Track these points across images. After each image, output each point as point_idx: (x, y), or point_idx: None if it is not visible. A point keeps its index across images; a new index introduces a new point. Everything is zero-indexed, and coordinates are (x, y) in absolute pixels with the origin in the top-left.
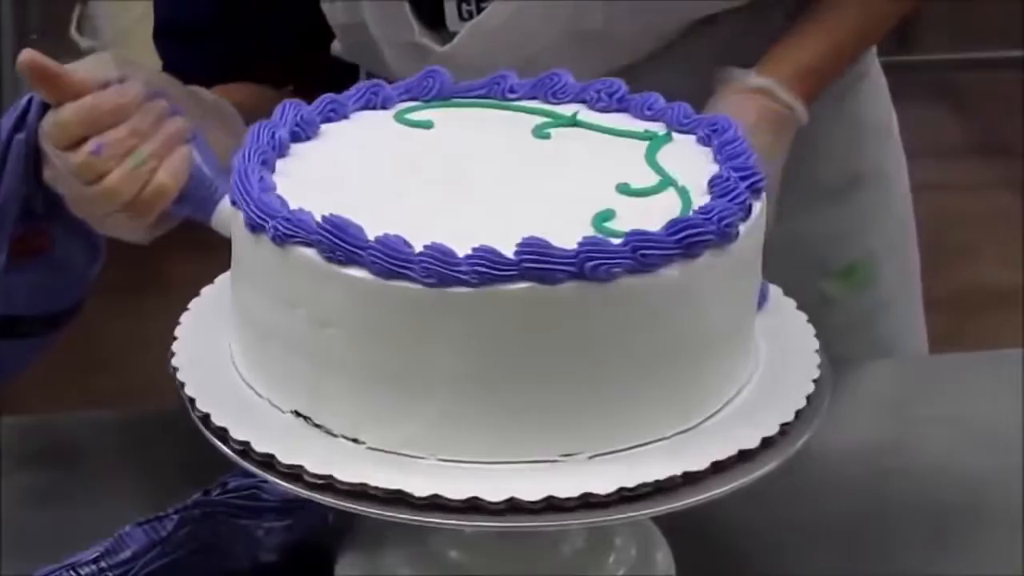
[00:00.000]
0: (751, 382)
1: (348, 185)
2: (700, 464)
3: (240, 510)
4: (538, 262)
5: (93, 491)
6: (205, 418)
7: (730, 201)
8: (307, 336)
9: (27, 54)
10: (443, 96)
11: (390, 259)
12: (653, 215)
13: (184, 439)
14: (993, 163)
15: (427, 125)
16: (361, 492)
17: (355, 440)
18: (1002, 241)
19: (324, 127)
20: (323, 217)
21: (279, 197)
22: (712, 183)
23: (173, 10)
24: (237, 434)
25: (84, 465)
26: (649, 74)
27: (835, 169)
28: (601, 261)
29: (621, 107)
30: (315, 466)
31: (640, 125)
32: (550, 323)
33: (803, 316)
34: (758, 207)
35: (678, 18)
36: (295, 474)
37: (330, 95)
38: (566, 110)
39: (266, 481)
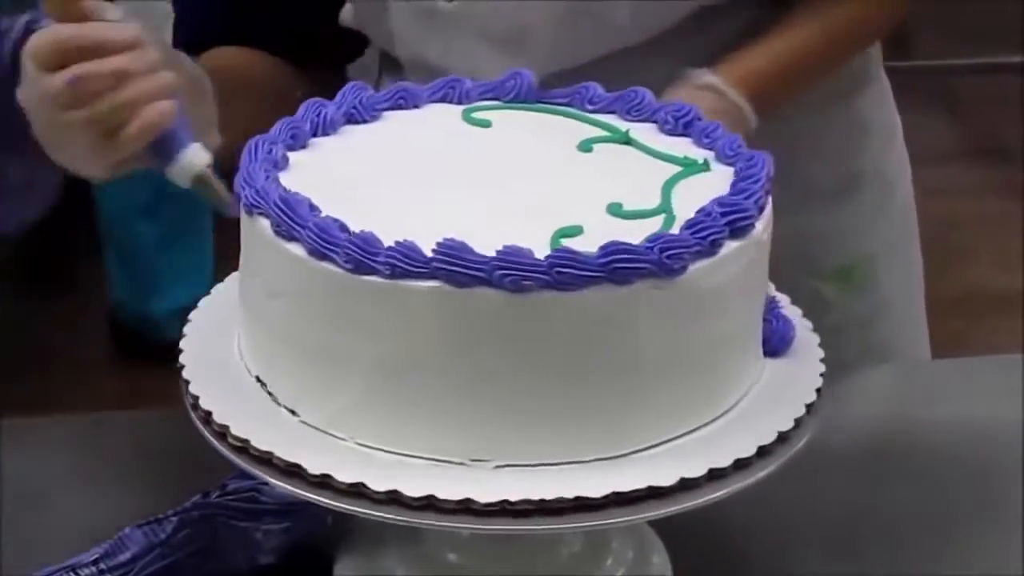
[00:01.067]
0: (752, 391)
1: (354, 174)
2: (696, 471)
3: (239, 512)
4: (451, 263)
5: (92, 493)
6: (206, 417)
7: (693, 234)
8: (261, 305)
9: None
10: (524, 99)
11: (322, 241)
12: (624, 238)
13: (184, 441)
14: (991, 168)
15: (485, 124)
16: (357, 492)
17: (293, 412)
18: (1000, 245)
19: (387, 115)
20: (280, 194)
21: (276, 180)
22: (692, 219)
23: None
24: (237, 431)
25: (84, 467)
26: (641, 62)
27: (834, 170)
28: (513, 273)
29: (685, 132)
30: (313, 465)
31: (695, 152)
32: (518, 328)
33: (808, 324)
34: (733, 245)
35: (674, 6)
36: (293, 472)
37: (403, 84)
38: (635, 128)
39: (265, 483)
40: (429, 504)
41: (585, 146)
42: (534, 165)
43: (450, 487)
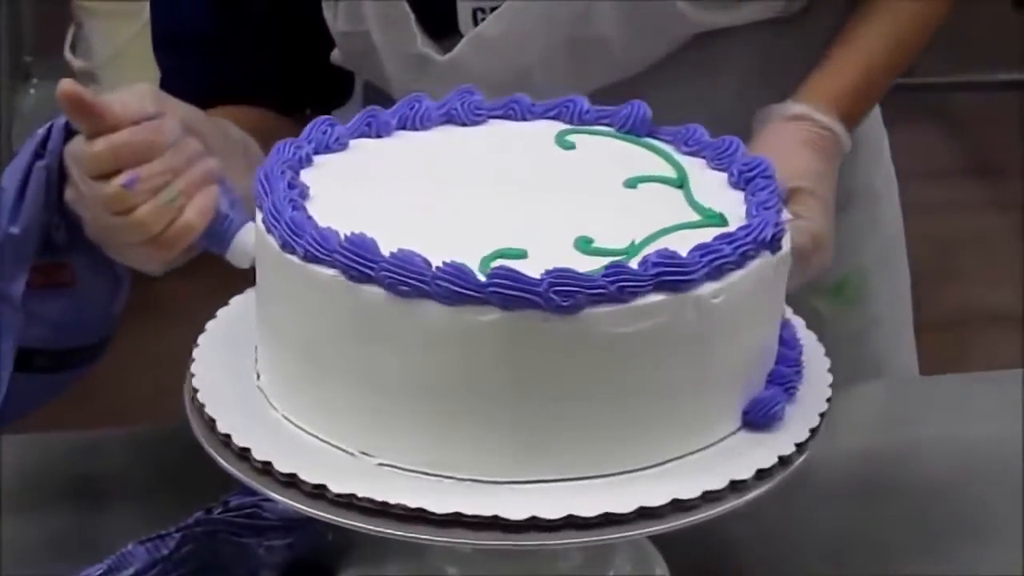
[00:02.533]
0: None
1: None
2: (691, 492)
3: (241, 528)
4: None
5: (95, 509)
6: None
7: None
8: (288, 331)
9: (67, 84)
10: (636, 130)
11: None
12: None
13: (186, 458)
14: (986, 184)
15: (570, 147)
16: (349, 504)
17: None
18: (996, 262)
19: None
20: (289, 216)
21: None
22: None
23: (170, 22)
24: (239, 440)
25: (86, 484)
26: (643, 90)
27: None
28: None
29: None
30: (309, 475)
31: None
32: (529, 349)
33: (821, 350)
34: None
35: (666, 37)
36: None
37: (417, 94)
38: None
39: (267, 500)
40: (421, 517)
41: (631, 183)
42: (569, 197)
43: (443, 501)
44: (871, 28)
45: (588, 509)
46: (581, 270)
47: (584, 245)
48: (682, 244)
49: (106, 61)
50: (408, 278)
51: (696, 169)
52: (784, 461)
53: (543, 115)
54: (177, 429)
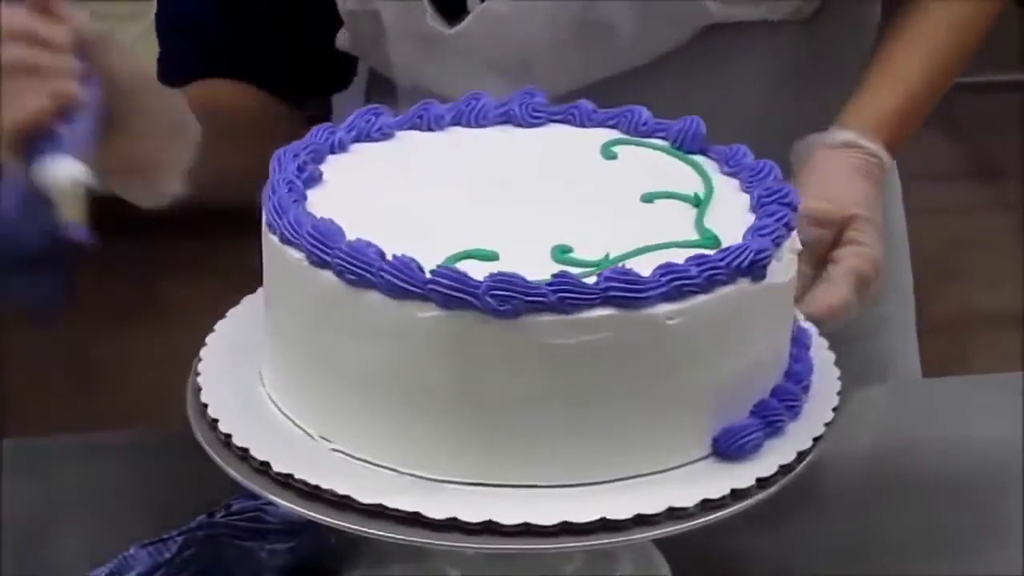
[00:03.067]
0: None
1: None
2: (688, 500)
3: (244, 532)
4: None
5: (97, 513)
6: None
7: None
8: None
9: None
10: (689, 148)
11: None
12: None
13: (189, 461)
14: (987, 186)
15: (613, 157)
16: (345, 506)
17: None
18: (997, 264)
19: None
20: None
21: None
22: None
23: (174, 1)
24: (239, 441)
25: (88, 487)
26: (649, 81)
27: None
28: (566, 296)
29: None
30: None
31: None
32: (467, 350)
33: (831, 356)
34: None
35: (676, 28)
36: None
37: (476, 92)
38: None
39: (269, 503)
40: (417, 520)
41: (648, 197)
42: (580, 207)
43: (439, 506)
44: (910, 54)
45: (585, 515)
46: (532, 277)
47: (559, 254)
48: (659, 262)
49: None
50: (357, 267)
51: (727, 190)
52: (760, 484)
53: (602, 123)
54: (180, 432)
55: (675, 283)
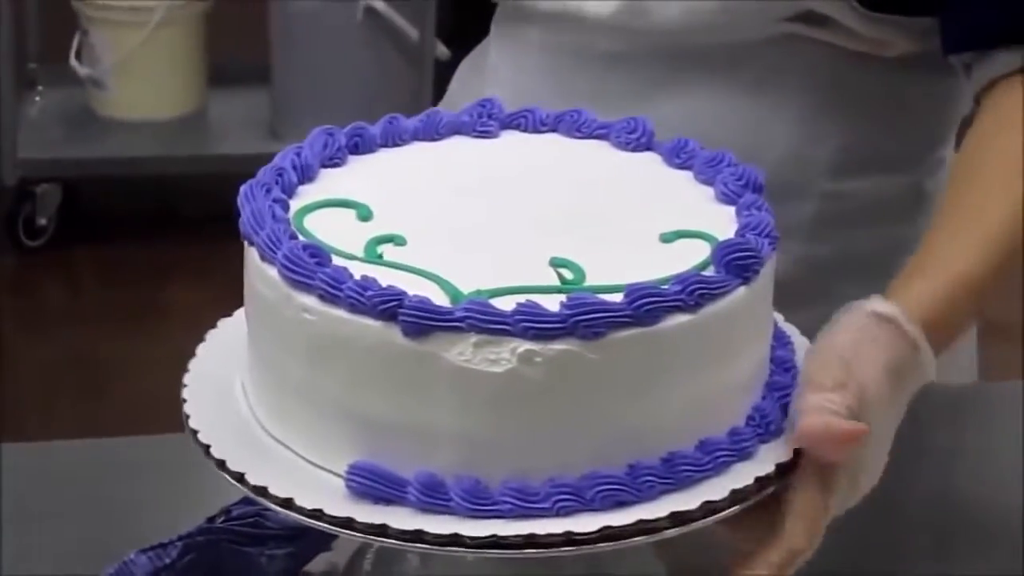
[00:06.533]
0: None
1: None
2: (690, 504)
3: (243, 537)
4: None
5: (97, 518)
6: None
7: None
8: (277, 359)
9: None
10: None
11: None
12: None
13: (189, 466)
14: None
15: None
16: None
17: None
18: None
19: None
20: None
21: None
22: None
23: None
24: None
25: (88, 492)
26: (688, 83)
27: (889, 235)
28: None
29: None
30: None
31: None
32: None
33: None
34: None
35: (768, 12)
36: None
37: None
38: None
39: (269, 509)
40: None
41: (667, 237)
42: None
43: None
44: (995, 188)
45: (586, 526)
46: (438, 301)
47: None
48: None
49: (111, 69)
50: (294, 271)
51: (681, 184)
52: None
53: (685, 164)
54: (180, 437)
55: (578, 320)
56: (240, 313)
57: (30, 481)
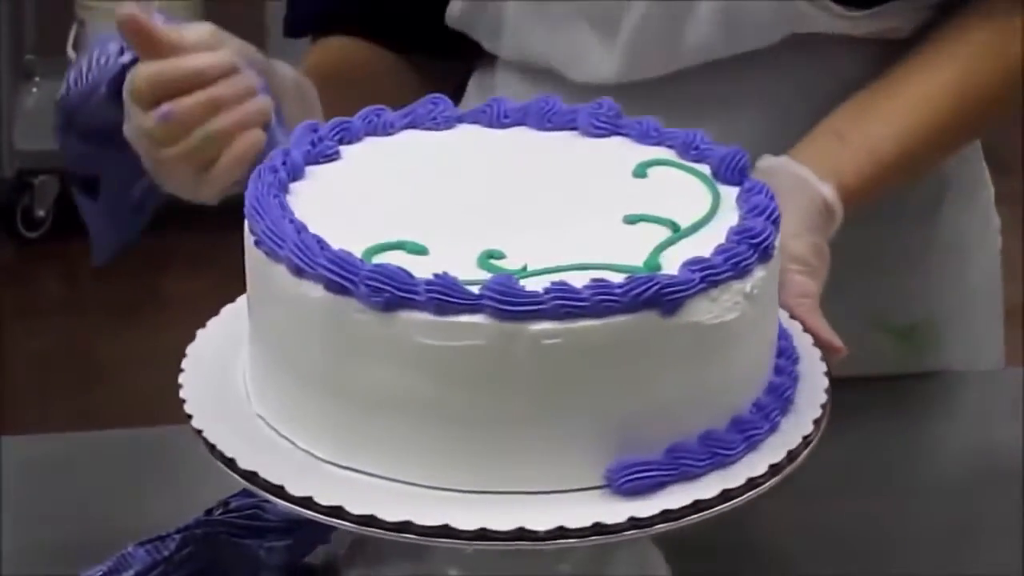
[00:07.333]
0: None
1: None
2: (681, 502)
3: (242, 530)
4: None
5: (95, 510)
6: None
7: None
8: (277, 344)
9: (127, 7)
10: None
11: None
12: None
13: (187, 458)
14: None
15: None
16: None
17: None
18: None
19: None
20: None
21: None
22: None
23: None
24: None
25: (86, 485)
26: (722, 81)
27: (909, 230)
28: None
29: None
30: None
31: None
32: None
33: (817, 353)
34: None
35: (772, 24)
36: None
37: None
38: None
39: (268, 501)
40: (408, 526)
41: (631, 219)
42: (560, 220)
43: (429, 514)
44: (928, 69)
45: (578, 521)
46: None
47: (483, 258)
48: (578, 280)
49: None
50: (295, 254)
51: (724, 220)
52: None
53: (659, 142)
54: (177, 429)
55: (559, 302)
56: (242, 300)
57: (27, 473)
